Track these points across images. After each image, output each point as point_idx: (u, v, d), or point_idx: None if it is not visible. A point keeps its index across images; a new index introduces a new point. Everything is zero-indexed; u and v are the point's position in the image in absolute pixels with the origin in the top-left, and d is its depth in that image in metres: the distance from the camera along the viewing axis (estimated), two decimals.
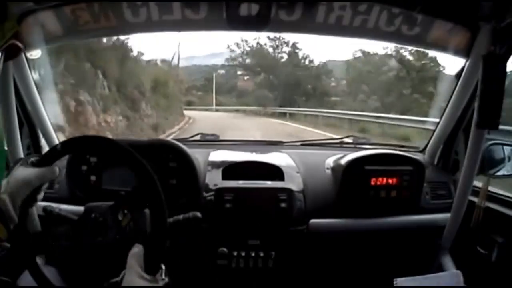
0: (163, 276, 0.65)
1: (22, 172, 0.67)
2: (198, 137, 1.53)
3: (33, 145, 1.25)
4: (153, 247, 0.63)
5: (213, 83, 17.46)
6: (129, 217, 0.70)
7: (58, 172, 0.72)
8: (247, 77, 17.97)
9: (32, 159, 0.70)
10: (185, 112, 11.73)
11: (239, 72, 18.30)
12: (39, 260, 0.70)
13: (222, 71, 19.37)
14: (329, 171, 1.24)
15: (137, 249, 0.62)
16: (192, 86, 18.31)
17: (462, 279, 1.03)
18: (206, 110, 15.37)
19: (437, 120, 1.32)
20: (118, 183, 1.07)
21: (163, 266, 0.65)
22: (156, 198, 0.66)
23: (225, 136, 1.64)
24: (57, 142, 1.26)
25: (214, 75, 17.96)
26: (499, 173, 1.21)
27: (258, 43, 16.09)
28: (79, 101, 5.23)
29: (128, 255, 0.61)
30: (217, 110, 15.82)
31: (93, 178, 1.13)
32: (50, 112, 1.26)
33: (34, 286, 0.67)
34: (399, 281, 1.04)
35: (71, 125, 4.69)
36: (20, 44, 0.80)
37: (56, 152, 0.73)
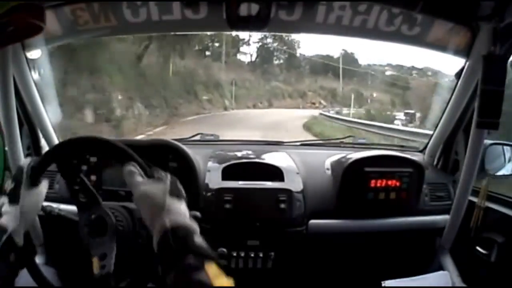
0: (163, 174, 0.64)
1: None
2: (198, 137, 1.53)
3: (33, 145, 1.25)
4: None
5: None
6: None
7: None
8: None
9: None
10: None
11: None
12: (38, 260, 0.70)
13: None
14: (328, 172, 1.24)
15: (128, 167, 0.62)
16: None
17: (450, 280, 1.03)
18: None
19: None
20: (118, 183, 1.07)
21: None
22: None
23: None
24: (57, 142, 1.26)
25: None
26: (499, 173, 1.21)
27: None
28: None
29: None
30: None
31: (93, 178, 1.13)
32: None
33: (33, 286, 0.67)
34: (387, 283, 1.04)
35: None
36: (40, 23, 0.72)
37: (56, 151, 0.73)
